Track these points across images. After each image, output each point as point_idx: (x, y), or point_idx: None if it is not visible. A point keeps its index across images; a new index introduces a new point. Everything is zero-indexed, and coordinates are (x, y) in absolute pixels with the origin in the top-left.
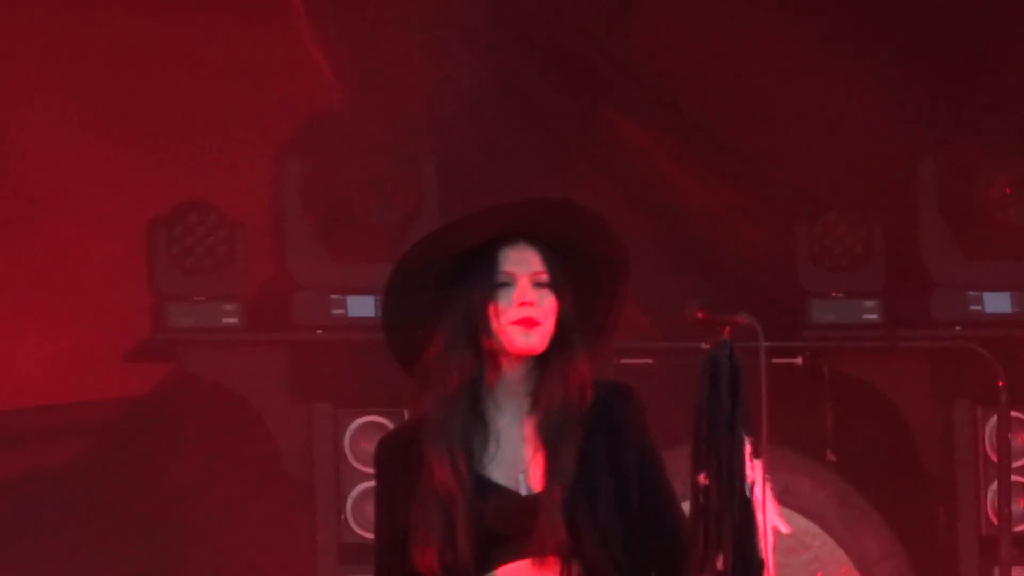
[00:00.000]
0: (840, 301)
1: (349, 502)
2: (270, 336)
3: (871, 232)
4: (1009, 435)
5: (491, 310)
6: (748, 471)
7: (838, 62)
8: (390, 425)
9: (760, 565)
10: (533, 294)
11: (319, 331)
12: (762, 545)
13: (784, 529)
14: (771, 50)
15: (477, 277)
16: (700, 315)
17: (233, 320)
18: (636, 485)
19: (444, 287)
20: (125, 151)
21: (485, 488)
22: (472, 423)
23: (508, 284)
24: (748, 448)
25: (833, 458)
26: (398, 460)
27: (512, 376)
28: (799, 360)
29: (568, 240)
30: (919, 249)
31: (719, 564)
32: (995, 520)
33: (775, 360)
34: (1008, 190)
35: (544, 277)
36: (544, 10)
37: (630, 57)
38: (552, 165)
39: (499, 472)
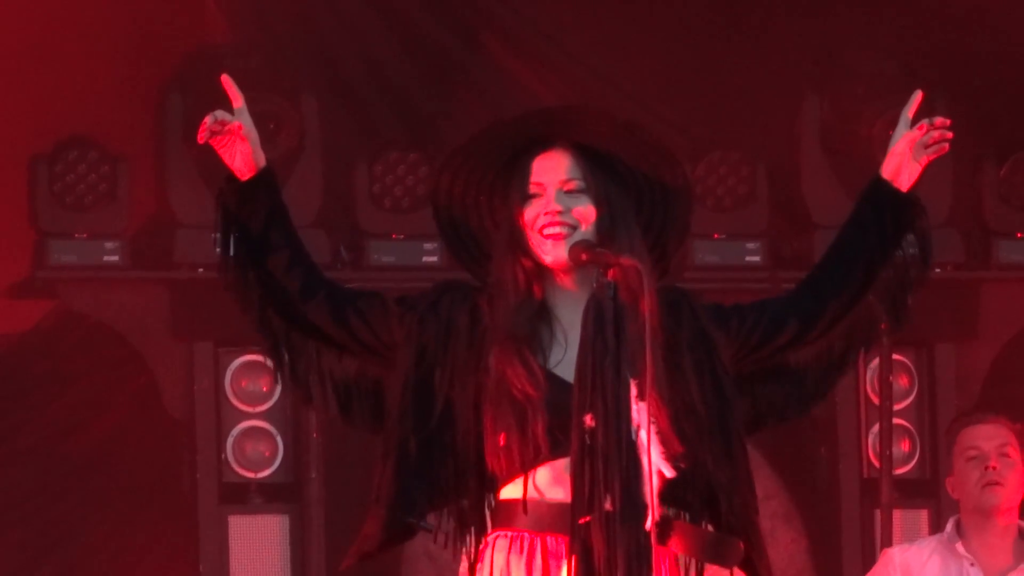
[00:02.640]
0: (722, 242)
1: (230, 441)
2: (151, 274)
3: (754, 172)
4: (891, 378)
5: (523, 223)
6: (634, 414)
7: (720, 1)
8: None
9: (645, 507)
10: (558, 204)
11: (200, 269)
12: (647, 487)
13: (668, 473)
14: None
15: (512, 189)
16: (584, 256)
17: (114, 258)
18: (729, 356)
19: (494, 195)
20: (3, 86)
21: (555, 385)
22: (539, 326)
23: (538, 195)
24: (634, 391)
25: None
26: (449, 303)
27: (569, 281)
28: None
29: (610, 150)
30: (801, 190)
31: (607, 505)
32: (877, 463)
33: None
34: (891, 131)
35: (576, 184)
36: None
37: None
38: (435, 96)
39: (568, 370)
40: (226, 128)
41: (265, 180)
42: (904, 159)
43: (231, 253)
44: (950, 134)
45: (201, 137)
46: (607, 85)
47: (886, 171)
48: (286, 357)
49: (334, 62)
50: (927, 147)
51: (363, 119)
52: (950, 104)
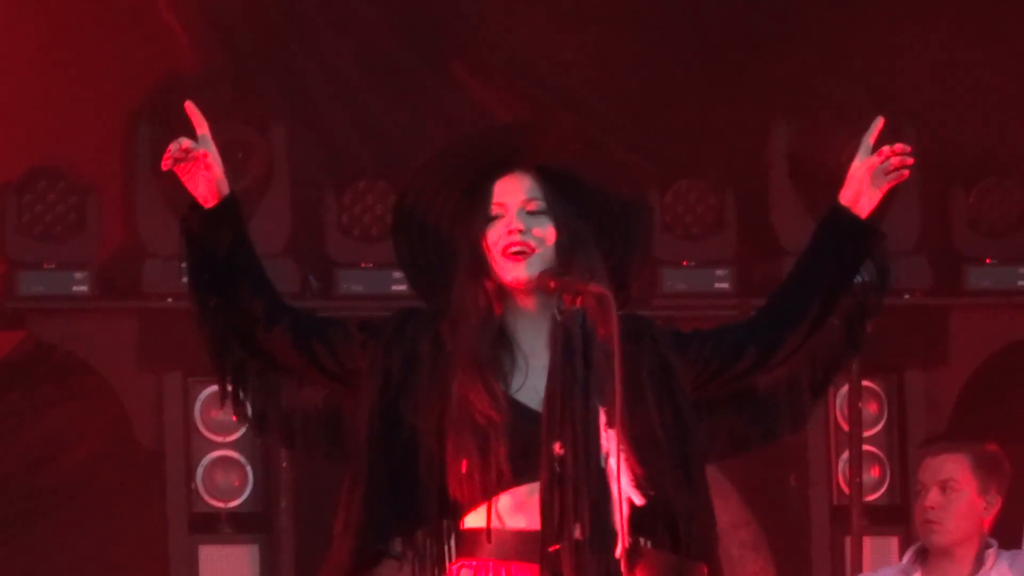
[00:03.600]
0: (691, 270)
1: (199, 471)
2: (120, 304)
3: (722, 200)
4: (860, 404)
5: (486, 245)
6: (603, 441)
7: (688, 26)
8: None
9: (615, 535)
10: (520, 223)
11: (169, 299)
12: (617, 515)
13: (638, 501)
14: (624, 14)
15: (473, 213)
16: (552, 284)
17: (83, 288)
18: (686, 380)
19: (456, 220)
20: None
21: (517, 412)
22: (500, 350)
23: (500, 216)
24: (603, 418)
25: None
26: (411, 332)
27: (530, 304)
28: None
29: (571, 170)
30: (770, 217)
31: (576, 533)
32: (847, 490)
33: None
34: None
35: (536, 205)
36: None
37: (482, 16)
38: (404, 124)
39: (529, 396)
40: (190, 155)
41: (229, 208)
42: (863, 185)
43: (194, 280)
44: (910, 160)
45: (165, 164)
46: (575, 112)
47: (844, 197)
48: (246, 391)
49: (302, 91)
50: (887, 173)
51: (331, 148)
52: (918, 130)
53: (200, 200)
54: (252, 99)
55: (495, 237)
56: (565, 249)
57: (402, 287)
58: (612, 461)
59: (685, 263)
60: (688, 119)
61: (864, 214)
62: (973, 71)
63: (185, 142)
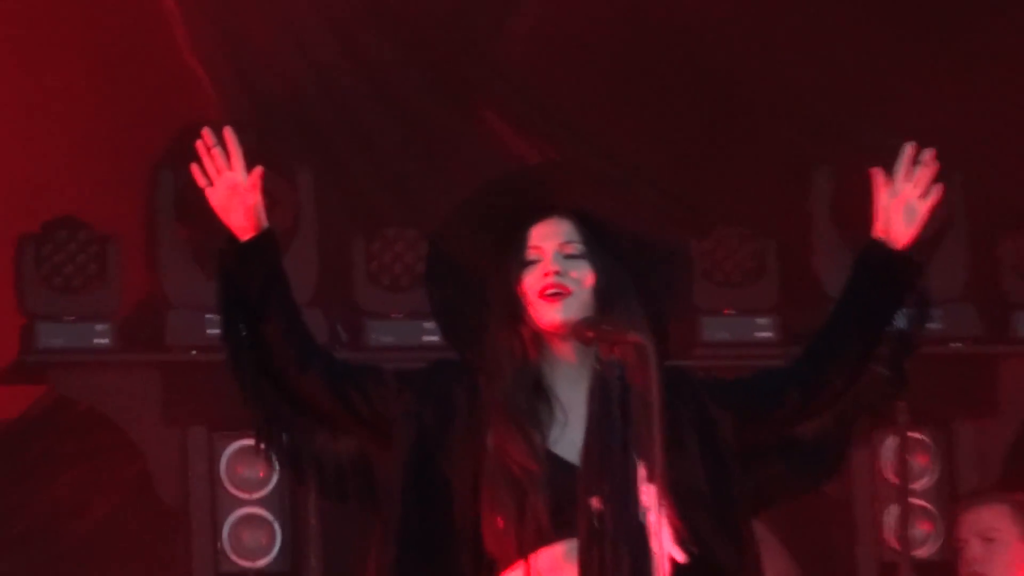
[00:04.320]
0: (732, 318)
1: (226, 529)
2: (143, 356)
3: (763, 246)
4: (908, 456)
5: (522, 290)
6: (643, 496)
7: (728, 72)
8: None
9: None
10: (556, 265)
11: (193, 351)
12: (658, 572)
13: (680, 558)
14: (661, 60)
15: (509, 257)
16: (590, 334)
17: (104, 340)
18: (726, 436)
19: (490, 266)
20: None
21: (555, 465)
22: (538, 401)
23: (537, 260)
24: (642, 472)
25: None
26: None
27: (568, 353)
28: None
29: (606, 214)
30: (813, 264)
31: None
32: (895, 545)
33: None
34: None
35: (574, 248)
36: (422, 13)
37: (510, 61)
38: (432, 171)
39: (566, 448)
40: (235, 180)
41: (266, 242)
42: (891, 214)
43: (227, 317)
44: (935, 165)
45: (201, 149)
46: (609, 159)
47: (878, 230)
48: (280, 435)
49: (328, 138)
50: (922, 195)
51: (359, 195)
52: (964, 177)
53: (236, 231)
54: (277, 147)
55: (531, 281)
56: (603, 294)
57: (434, 338)
58: (652, 516)
59: (726, 311)
60: (728, 165)
61: (900, 244)
62: (1018, 117)
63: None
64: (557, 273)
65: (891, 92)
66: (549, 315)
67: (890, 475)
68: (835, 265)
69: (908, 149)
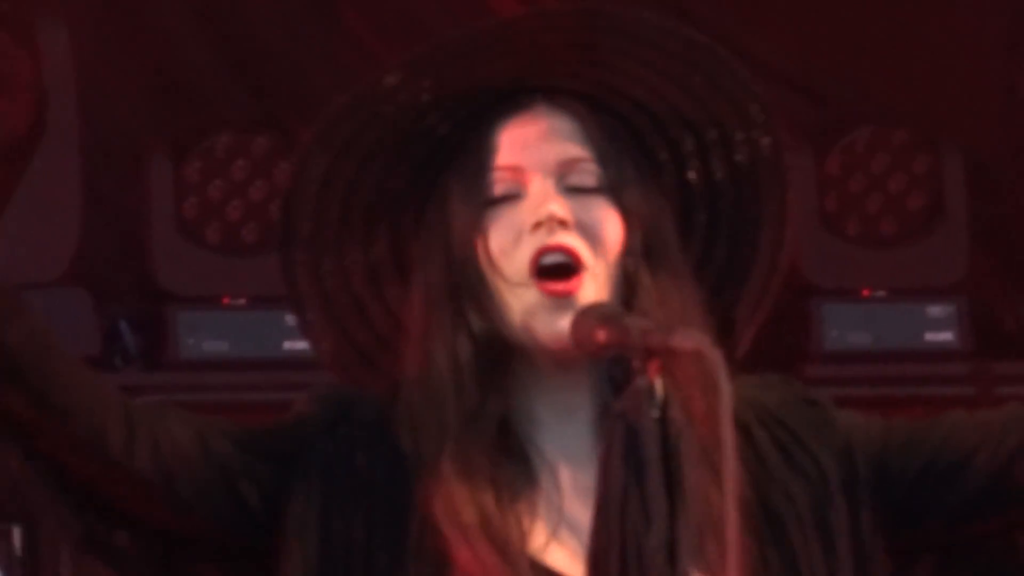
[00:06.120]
0: (880, 304)
1: None
2: None
3: (939, 162)
4: None
5: (482, 252)
6: None
7: None
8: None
9: None
10: (560, 201)
11: None
12: None
13: None
14: None
15: (451, 194)
16: (602, 338)
17: None
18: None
19: (402, 213)
20: None
21: None
22: (505, 464)
23: (513, 196)
24: None
25: None
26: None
27: (554, 371)
28: None
29: (643, 98)
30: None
31: None
32: None
33: None
34: None
35: (585, 172)
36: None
37: None
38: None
39: (561, 552)
40: None
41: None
42: None
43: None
44: None
45: None
46: None
47: None
48: None
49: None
50: None
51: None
52: None
53: None
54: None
55: (505, 239)
56: (634, 261)
57: (302, 346)
58: None
59: (866, 292)
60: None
61: None
62: None
63: None
64: (562, 223)
65: None
66: (550, 318)
67: None
68: None
69: None
